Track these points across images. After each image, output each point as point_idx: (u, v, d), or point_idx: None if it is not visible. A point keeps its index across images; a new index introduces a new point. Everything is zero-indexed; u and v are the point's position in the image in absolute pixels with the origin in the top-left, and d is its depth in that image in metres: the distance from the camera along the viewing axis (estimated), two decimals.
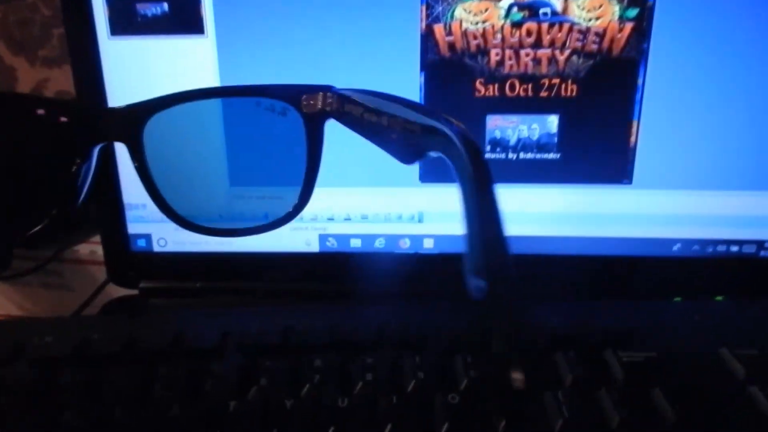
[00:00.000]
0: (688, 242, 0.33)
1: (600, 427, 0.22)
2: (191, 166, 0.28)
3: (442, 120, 0.18)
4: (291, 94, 0.21)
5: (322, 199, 0.33)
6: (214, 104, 0.23)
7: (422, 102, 0.31)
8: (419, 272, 0.34)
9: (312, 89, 0.21)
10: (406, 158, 0.20)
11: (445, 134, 0.17)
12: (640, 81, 0.30)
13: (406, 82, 0.31)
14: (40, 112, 0.22)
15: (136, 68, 0.31)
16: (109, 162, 0.33)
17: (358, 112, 0.20)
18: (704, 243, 0.33)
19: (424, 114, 0.19)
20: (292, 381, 0.24)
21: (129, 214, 0.34)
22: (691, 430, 0.22)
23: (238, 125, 0.24)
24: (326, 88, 0.21)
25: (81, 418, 0.23)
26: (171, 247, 0.35)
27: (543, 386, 0.24)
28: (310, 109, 0.21)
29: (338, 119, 0.21)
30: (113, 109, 0.21)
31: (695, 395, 0.23)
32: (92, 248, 0.39)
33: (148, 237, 0.34)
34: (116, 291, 0.36)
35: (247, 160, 0.28)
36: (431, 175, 0.32)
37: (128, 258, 0.35)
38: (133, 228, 0.34)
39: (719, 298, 0.29)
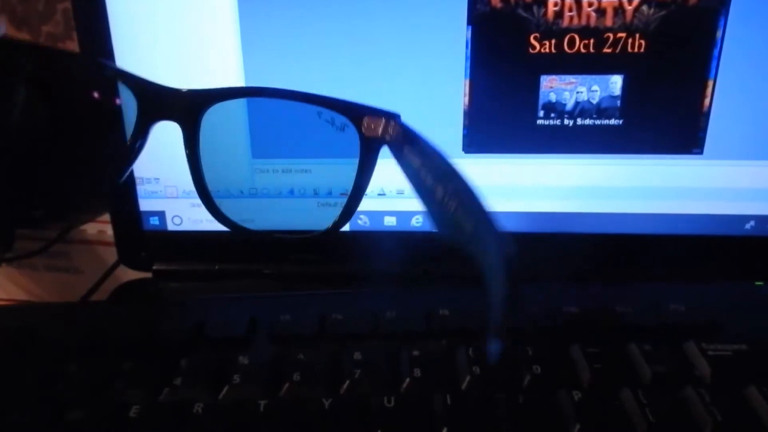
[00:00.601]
0: (763, 219, 0.29)
1: None
2: (237, 156, 0.27)
3: (497, 236, 0.18)
4: (354, 113, 0.21)
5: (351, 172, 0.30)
6: (274, 102, 0.22)
7: (468, 58, 0.27)
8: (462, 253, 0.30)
9: (377, 113, 0.20)
10: (440, 233, 0.19)
11: (488, 254, 0.18)
12: (719, 34, 0.26)
13: (451, 38, 0.27)
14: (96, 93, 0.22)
15: (146, 18, 0.28)
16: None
17: (416, 163, 0.19)
18: None
19: (480, 215, 0.19)
20: (330, 376, 0.21)
21: (140, 189, 0.31)
22: None
23: (296, 126, 0.23)
24: (392, 116, 0.20)
25: (90, 416, 0.20)
26: (187, 226, 0.31)
27: (618, 383, 0.20)
28: (370, 132, 0.20)
29: (393, 153, 0.20)
30: (179, 91, 0.21)
31: None
32: (100, 227, 0.36)
33: (161, 214, 0.31)
34: (127, 274, 0.34)
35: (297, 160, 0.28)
36: (476, 144, 0.29)
37: (140, 238, 0.32)
38: (145, 205, 0.31)
39: None
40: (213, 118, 0.22)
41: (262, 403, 0.20)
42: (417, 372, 0.21)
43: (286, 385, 0.21)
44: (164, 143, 0.30)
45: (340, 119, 0.21)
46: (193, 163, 0.23)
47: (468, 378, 0.21)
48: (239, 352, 0.22)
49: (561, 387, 0.20)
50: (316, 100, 0.21)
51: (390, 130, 0.20)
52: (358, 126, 0.20)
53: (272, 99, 0.22)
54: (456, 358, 0.22)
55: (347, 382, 0.21)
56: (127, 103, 0.22)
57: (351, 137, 0.21)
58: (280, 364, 0.21)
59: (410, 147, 0.19)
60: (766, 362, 0.21)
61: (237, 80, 0.29)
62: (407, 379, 0.21)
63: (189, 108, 0.21)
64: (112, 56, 0.28)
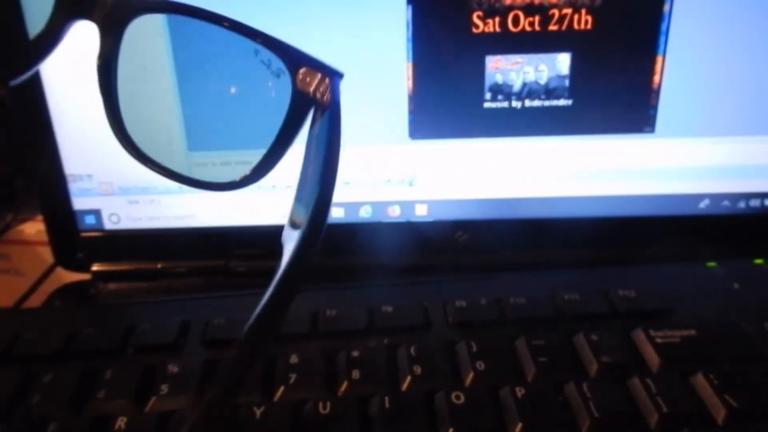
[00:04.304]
0: (716, 197, 0.29)
1: (636, 427, 0.18)
2: (155, 91, 0.24)
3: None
4: (293, 59, 0.18)
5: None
6: (209, 29, 0.19)
7: (410, 40, 0.26)
8: (412, 243, 0.29)
9: (315, 64, 0.18)
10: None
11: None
12: (666, 7, 0.25)
13: (391, 18, 0.26)
14: None
15: None
16: (45, 127, 0.28)
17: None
18: (735, 198, 0.29)
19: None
20: (264, 382, 0.20)
21: (73, 187, 0.29)
22: (746, 424, 0.18)
23: (225, 63, 0.20)
24: (334, 73, 0.18)
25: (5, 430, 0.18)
26: (125, 224, 0.30)
27: (564, 376, 0.20)
28: (303, 86, 0.18)
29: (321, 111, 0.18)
30: None
31: (745, 381, 0.19)
32: (39, 227, 0.35)
33: (97, 213, 0.30)
34: (70, 275, 0.32)
35: (219, 105, 0.22)
36: (422, 130, 0.28)
37: (76, 238, 0.30)
38: (79, 203, 0.30)
39: (759, 261, 0.25)
40: (144, 46, 0.19)
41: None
42: (355, 373, 0.20)
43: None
44: (96, 137, 0.28)
45: (277, 63, 0.19)
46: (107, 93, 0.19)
47: (408, 378, 0.20)
48: (169, 359, 0.21)
49: (504, 383, 0.19)
50: (255, 35, 0.18)
51: (322, 88, 0.18)
52: (293, 74, 0.18)
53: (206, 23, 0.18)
54: (397, 358, 0.21)
55: (281, 387, 0.20)
56: None
57: (284, 86, 0.19)
58: (212, 371, 0.20)
59: (334, 116, 0.17)
60: (713, 347, 0.21)
61: None
62: (344, 381, 0.20)
63: (112, 12, 0.18)
64: None
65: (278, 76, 0.19)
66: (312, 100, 0.18)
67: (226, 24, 0.18)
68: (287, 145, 0.19)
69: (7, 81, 0.19)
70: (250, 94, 0.21)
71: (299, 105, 0.18)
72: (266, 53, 0.19)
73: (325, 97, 0.18)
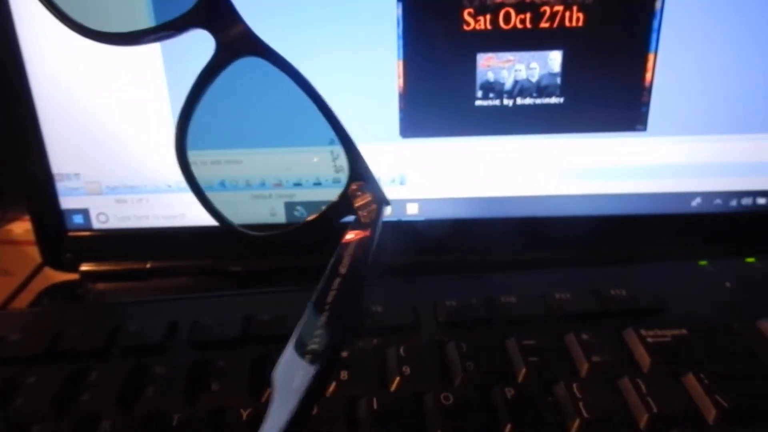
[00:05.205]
0: (709, 196, 0.29)
1: (626, 427, 0.18)
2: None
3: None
4: (358, 169, 0.19)
5: (286, 161, 0.28)
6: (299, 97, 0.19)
7: (401, 38, 0.26)
8: (403, 242, 0.29)
9: (371, 185, 0.19)
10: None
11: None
12: (658, 5, 0.25)
13: (381, 15, 0.25)
14: None
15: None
16: (32, 125, 0.28)
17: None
18: (727, 196, 0.29)
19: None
20: (252, 385, 0.20)
21: (60, 186, 0.29)
22: (736, 425, 0.18)
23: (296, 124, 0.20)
24: (383, 201, 0.19)
25: None
26: (113, 223, 0.30)
27: (555, 376, 0.20)
28: (352, 194, 0.19)
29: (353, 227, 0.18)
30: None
31: (736, 380, 0.19)
32: (27, 227, 0.34)
33: (85, 212, 0.29)
34: (58, 275, 0.32)
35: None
36: (413, 128, 0.27)
37: (64, 237, 0.30)
38: (66, 202, 0.29)
39: (751, 259, 0.25)
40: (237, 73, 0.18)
41: (176, 416, 0.19)
42: (352, 376, 0.20)
43: (204, 395, 0.19)
44: (83, 136, 0.28)
45: (343, 161, 0.19)
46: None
47: (397, 379, 0.20)
48: (156, 361, 0.21)
49: (494, 384, 0.19)
50: (335, 124, 0.19)
51: (368, 210, 0.19)
52: (350, 181, 0.19)
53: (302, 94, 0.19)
54: (386, 359, 0.20)
55: (269, 390, 0.19)
56: None
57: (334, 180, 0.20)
58: (199, 373, 0.20)
59: (364, 240, 0.18)
60: (704, 347, 0.21)
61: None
62: (333, 382, 0.20)
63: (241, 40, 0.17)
64: None
65: (337, 170, 0.20)
66: (354, 210, 0.19)
67: (322, 107, 0.19)
68: (316, 230, 0.20)
69: (103, 42, 0.18)
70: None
71: (340, 207, 0.19)
72: (339, 148, 0.19)
73: (365, 217, 0.19)
